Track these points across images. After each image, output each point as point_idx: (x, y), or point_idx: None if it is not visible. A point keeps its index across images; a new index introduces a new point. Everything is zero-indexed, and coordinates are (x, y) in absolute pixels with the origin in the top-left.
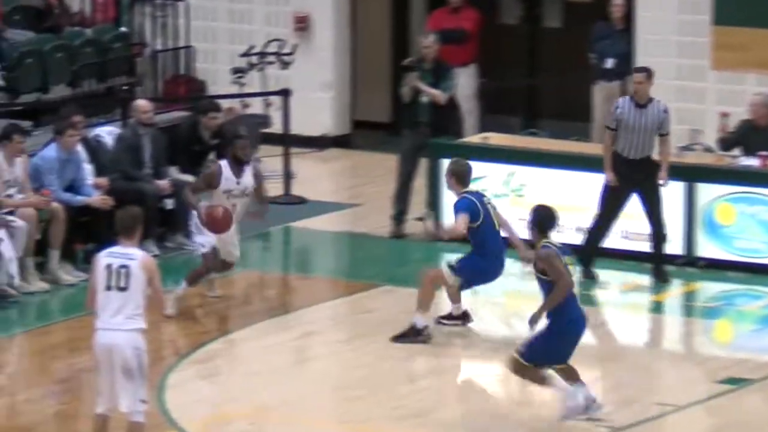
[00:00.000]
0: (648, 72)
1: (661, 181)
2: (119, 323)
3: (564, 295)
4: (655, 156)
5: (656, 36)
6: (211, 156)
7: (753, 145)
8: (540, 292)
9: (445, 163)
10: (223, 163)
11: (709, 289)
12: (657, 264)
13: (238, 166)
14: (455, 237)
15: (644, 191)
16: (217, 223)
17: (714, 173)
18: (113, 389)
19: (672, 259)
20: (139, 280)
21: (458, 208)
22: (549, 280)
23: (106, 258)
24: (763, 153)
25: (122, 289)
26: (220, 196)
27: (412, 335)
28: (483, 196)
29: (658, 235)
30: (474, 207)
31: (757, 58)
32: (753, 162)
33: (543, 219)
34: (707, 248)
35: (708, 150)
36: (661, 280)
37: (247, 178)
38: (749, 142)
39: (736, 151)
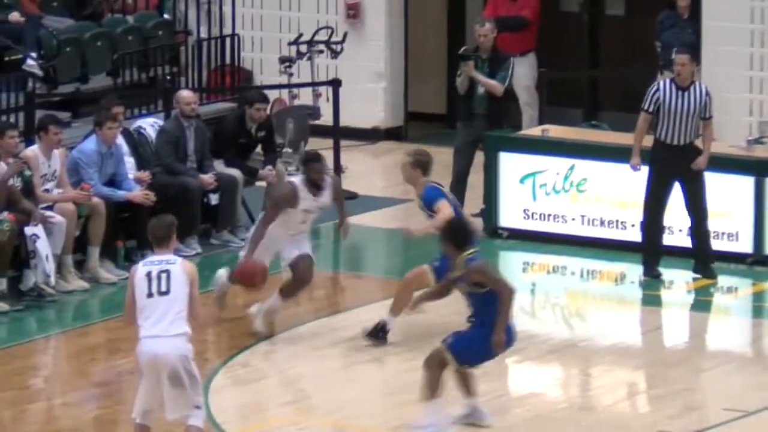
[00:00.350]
0: (691, 54)
1: (697, 167)
2: (164, 329)
3: (511, 298)
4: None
5: (724, 24)
6: (258, 149)
7: None
8: (470, 307)
9: (503, 157)
10: (298, 183)
11: None
12: (701, 260)
13: (315, 187)
14: (441, 227)
15: (686, 180)
16: (247, 278)
17: None
18: (159, 399)
19: (741, 257)
20: (181, 283)
21: (433, 196)
22: (485, 291)
23: (144, 267)
24: None
25: (164, 293)
26: (297, 214)
27: (376, 335)
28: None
29: (700, 229)
30: (445, 195)
31: None
32: None
33: (457, 234)
34: None
35: None
36: (706, 277)
37: (326, 197)
38: None
39: None
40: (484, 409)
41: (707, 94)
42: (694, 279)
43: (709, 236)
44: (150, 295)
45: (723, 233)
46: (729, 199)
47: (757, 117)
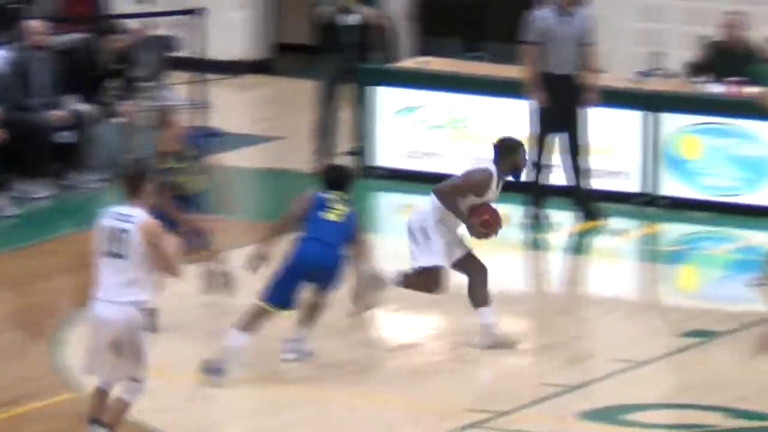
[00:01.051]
0: None
1: (584, 104)
2: (114, 294)
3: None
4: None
5: None
6: (115, 83)
7: (724, 71)
8: None
9: (378, 91)
10: (494, 171)
11: (672, 231)
12: (581, 200)
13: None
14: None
15: (568, 113)
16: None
17: (678, 101)
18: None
19: (631, 197)
20: (137, 245)
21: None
22: None
23: (107, 219)
24: (734, 79)
25: (118, 256)
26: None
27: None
28: None
29: (578, 167)
30: None
31: None
32: (722, 89)
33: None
34: (670, 185)
35: (672, 75)
36: (590, 218)
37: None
38: (720, 66)
39: (704, 77)
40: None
41: (589, 19)
42: (582, 221)
43: (588, 174)
44: (107, 254)
45: (611, 171)
46: (617, 135)
47: (650, 47)
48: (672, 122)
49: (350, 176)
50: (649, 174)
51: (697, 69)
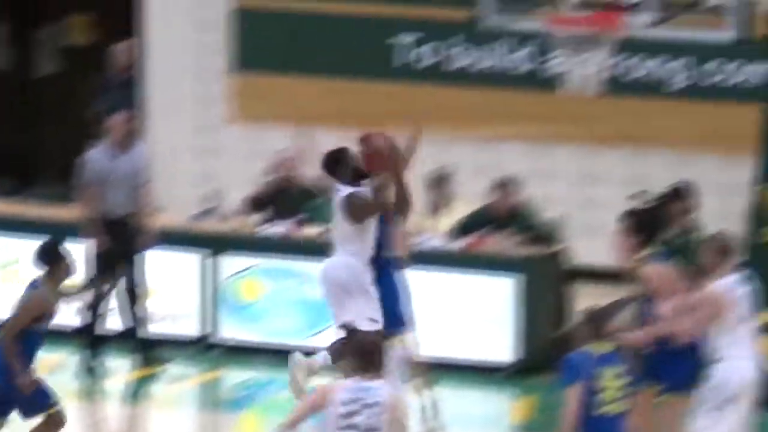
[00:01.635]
0: (128, 116)
1: (142, 246)
2: None
3: None
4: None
5: (169, 86)
6: None
7: (282, 210)
8: None
9: None
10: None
11: (233, 376)
12: (138, 346)
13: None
14: None
15: (125, 255)
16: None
17: (236, 243)
18: None
19: (190, 342)
20: None
21: None
22: None
23: None
24: (293, 218)
25: None
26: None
27: None
28: None
29: (136, 311)
30: None
31: (280, 108)
32: (283, 228)
33: None
34: (230, 329)
35: (230, 216)
36: (148, 364)
37: None
38: (278, 205)
39: (263, 217)
40: None
41: (144, 156)
42: (140, 367)
43: (146, 319)
44: None
45: (169, 315)
46: (175, 278)
47: (205, 188)
48: (231, 264)
49: None
50: (208, 317)
51: (256, 208)
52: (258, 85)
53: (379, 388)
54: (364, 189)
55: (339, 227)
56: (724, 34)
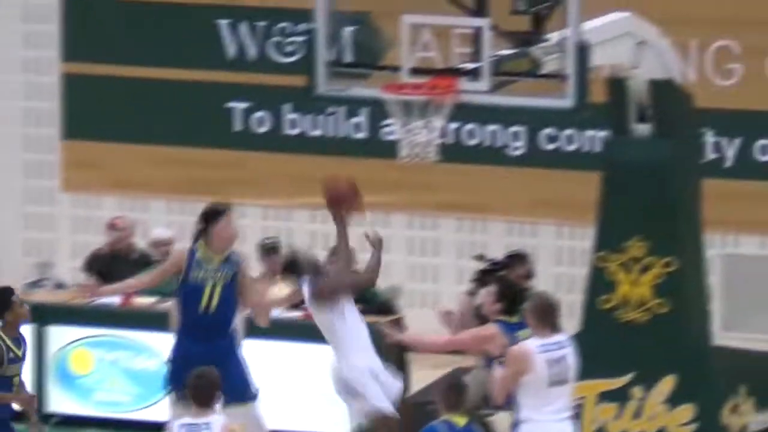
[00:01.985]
0: None
1: None
2: None
3: None
4: None
5: None
6: None
7: (113, 278)
8: None
9: None
10: None
11: None
12: None
13: None
14: None
15: None
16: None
17: (67, 313)
18: None
19: (18, 415)
20: None
21: None
22: None
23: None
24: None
25: None
26: None
27: None
28: None
29: None
30: None
31: (112, 177)
32: (114, 300)
33: None
34: (61, 402)
35: (61, 286)
36: None
37: None
38: (110, 274)
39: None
40: None
41: None
42: None
43: None
44: None
45: None
46: None
47: (37, 257)
48: (62, 335)
49: None
50: (37, 390)
51: (89, 274)
52: (90, 154)
53: None
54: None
55: (322, 325)
56: (562, 100)
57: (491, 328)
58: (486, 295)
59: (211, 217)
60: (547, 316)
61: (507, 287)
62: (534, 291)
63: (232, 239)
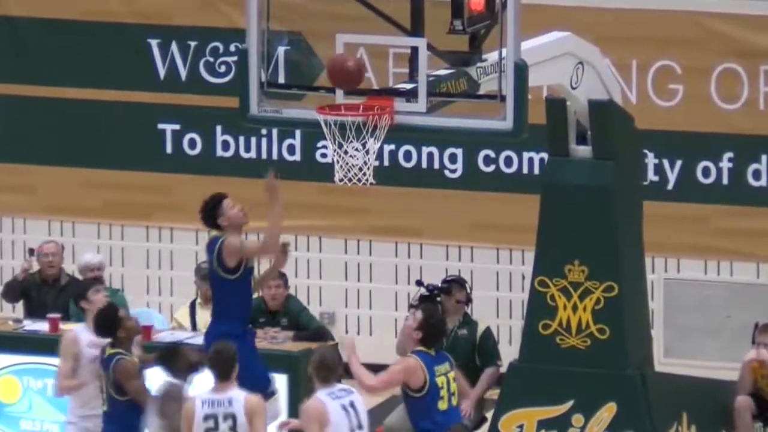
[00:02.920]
0: None
1: None
2: None
3: None
4: None
5: None
6: None
7: (41, 304)
8: None
9: None
10: None
11: None
12: None
13: None
14: None
15: None
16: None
17: None
18: None
19: None
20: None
21: None
22: None
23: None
24: (52, 315)
25: None
26: None
27: None
28: None
29: None
30: None
31: (45, 200)
32: (42, 326)
33: None
34: None
35: None
36: None
37: None
38: (35, 298)
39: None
40: None
41: None
42: None
43: None
44: None
45: None
46: None
47: None
48: None
49: None
50: None
51: (9, 299)
52: (15, 176)
53: None
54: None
55: None
56: (501, 122)
57: (412, 361)
58: (412, 319)
59: (215, 207)
60: (328, 371)
61: (428, 317)
62: (472, 320)
63: (246, 215)
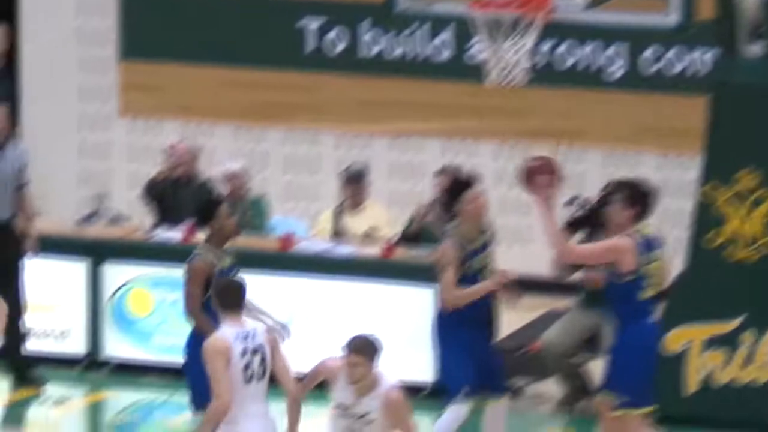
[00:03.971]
0: (7, 109)
1: (24, 254)
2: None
3: None
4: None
5: (49, 76)
6: None
7: (174, 206)
8: None
9: None
10: None
11: (121, 398)
12: (15, 365)
13: None
14: None
15: (5, 268)
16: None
17: (125, 250)
18: None
19: (73, 360)
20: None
21: None
22: None
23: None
24: (189, 221)
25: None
26: None
27: None
28: None
29: (13, 328)
30: None
31: (175, 100)
32: (175, 235)
33: None
34: (118, 346)
35: (117, 220)
36: (26, 385)
37: None
38: (169, 201)
39: (156, 217)
40: None
41: (24, 155)
42: (17, 388)
43: (24, 336)
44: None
45: (50, 331)
46: (57, 289)
47: (91, 190)
48: (119, 274)
49: None
50: (93, 333)
51: (149, 201)
52: (149, 76)
53: None
54: None
55: None
56: (665, 18)
57: (626, 241)
58: (614, 204)
59: (461, 191)
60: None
61: (636, 189)
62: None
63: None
